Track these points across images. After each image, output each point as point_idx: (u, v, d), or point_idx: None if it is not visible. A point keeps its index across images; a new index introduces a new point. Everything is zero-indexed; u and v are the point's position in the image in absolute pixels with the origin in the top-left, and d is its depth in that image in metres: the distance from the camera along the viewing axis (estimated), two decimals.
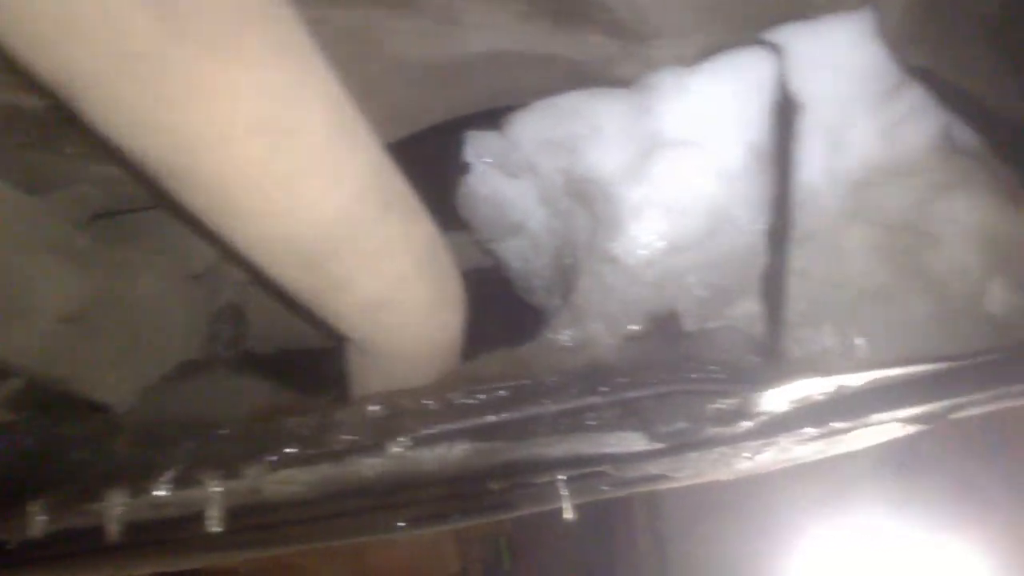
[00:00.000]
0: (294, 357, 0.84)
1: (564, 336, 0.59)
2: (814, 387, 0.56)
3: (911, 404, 0.62)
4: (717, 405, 0.56)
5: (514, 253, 0.82)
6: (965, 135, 0.63)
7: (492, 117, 0.75)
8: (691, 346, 0.57)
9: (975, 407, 0.70)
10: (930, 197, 0.58)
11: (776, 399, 0.56)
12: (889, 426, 0.75)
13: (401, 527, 0.78)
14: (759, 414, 0.59)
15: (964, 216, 0.57)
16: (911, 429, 0.77)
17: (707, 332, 0.57)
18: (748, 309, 0.57)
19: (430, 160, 0.84)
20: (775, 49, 0.61)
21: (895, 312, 0.56)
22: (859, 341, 0.54)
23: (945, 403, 0.64)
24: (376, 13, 0.56)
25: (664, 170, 0.62)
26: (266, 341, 0.84)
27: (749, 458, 0.74)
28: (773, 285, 0.57)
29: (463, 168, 0.77)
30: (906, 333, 0.56)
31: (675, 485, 0.77)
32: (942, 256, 0.57)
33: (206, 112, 0.41)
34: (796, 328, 0.55)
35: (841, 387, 0.56)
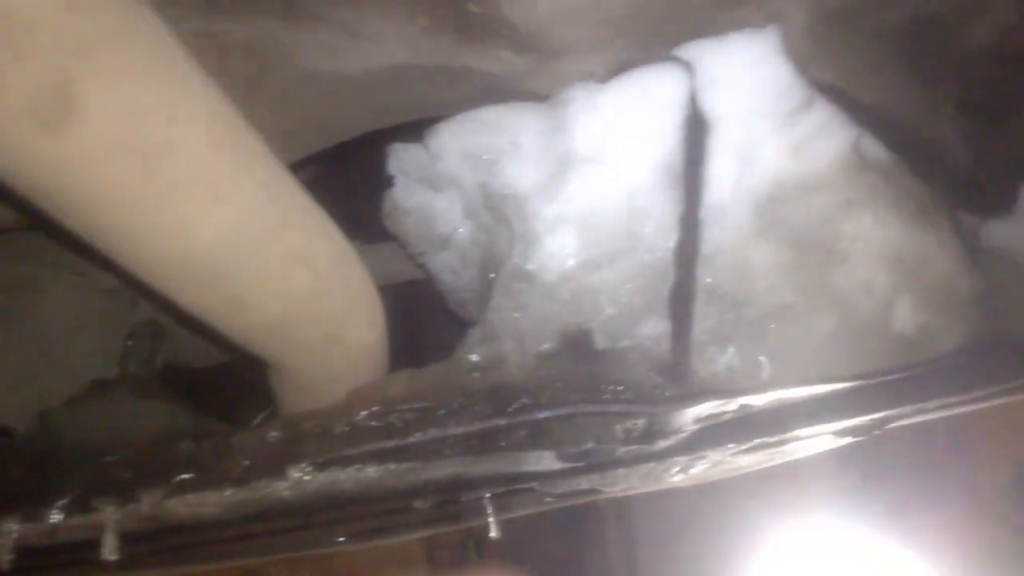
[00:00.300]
0: (219, 374, 0.83)
1: (476, 354, 0.58)
2: (719, 407, 0.56)
3: (818, 422, 0.62)
4: (624, 425, 0.56)
5: (443, 266, 0.81)
6: (876, 150, 0.63)
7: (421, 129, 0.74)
8: (601, 366, 0.57)
9: (896, 421, 0.70)
10: (838, 214, 0.58)
11: (682, 419, 0.56)
12: (820, 438, 0.75)
13: (340, 542, 0.77)
14: (668, 433, 0.59)
15: (871, 233, 0.57)
16: (843, 441, 0.78)
17: (616, 351, 0.57)
18: (657, 328, 0.57)
19: (365, 172, 0.83)
20: (686, 66, 0.61)
21: (800, 330, 0.56)
22: (763, 360, 0.54)
23: (859, 419, 0.65)
24: (275, 26, 0.55)
25: (577, 187, 0.61)
26: (191, 357, 0.83)
27: (681, 471, 0.74)
28: (680, 304, 0.57)
29: (388, 181, 0.77)
30: (811, 352, 0.56)
31: (615, 495, 0.77)
32: (849, 274, 0.57)
33: (72, 132, 0.39)
34: (703, 347, 0.55)
35: (744, 406, 0.56)
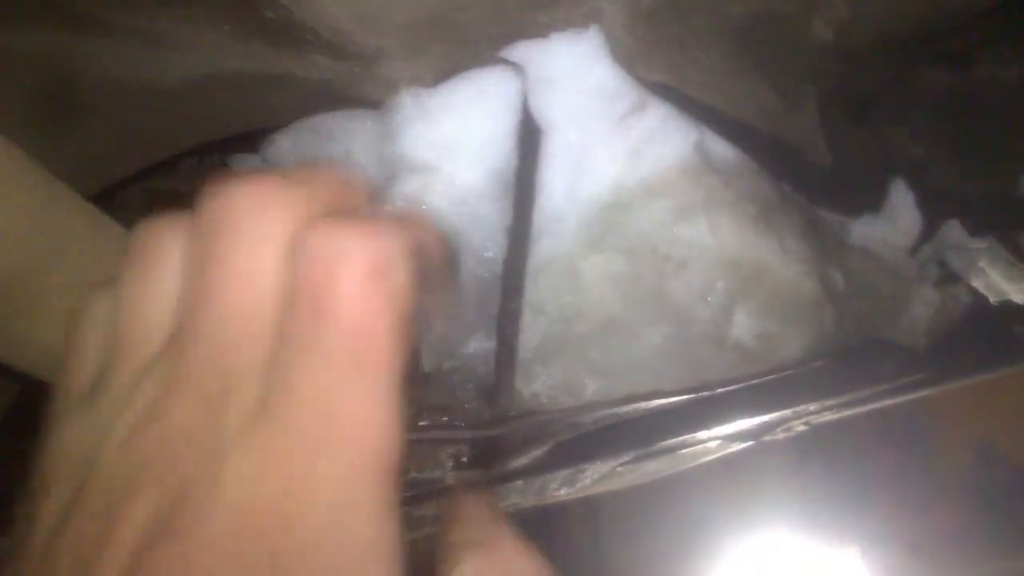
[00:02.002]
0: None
1: None
2: (544, 426, 0.53)
3: (679, 433, 0.59)
4: (449, 452, 0.53)
5: None
6: (724, 151, 0.60)
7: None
8: (425, 389, 0.54)
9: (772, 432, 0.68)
10: (674, 220, 0.55)
11: (511, 440, 0.53)
12: (709, 443, 0.73)
13: None
14: (506, 456, 0.56)
15: (707, 239, 0.55)
16: (738, 445, 0.75)
17: (440, 373, 0.53)
18: (483, 346, 0.54)
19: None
20: (516, 69, 0.58)
21: (629, 343, 0.53)
22: (587, 378, 0.51)
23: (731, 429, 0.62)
24: (60, 38, 0.51)
25: (408, 196, 0.58)
26: None
27: (565, 485, 0.72)
28: (506, 320, 0.54)
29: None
30: (639, 365, 0.53)
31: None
32: (685, 282, 0.55)
33: None
34: (528, 365, 0.52)
35: (573, 424, 0.53)
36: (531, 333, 0.52)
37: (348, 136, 0.61)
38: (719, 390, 0.54)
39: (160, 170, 0.70)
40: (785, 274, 0.55)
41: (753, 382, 0.56)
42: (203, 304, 0.24)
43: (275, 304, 0.24)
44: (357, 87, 0.60)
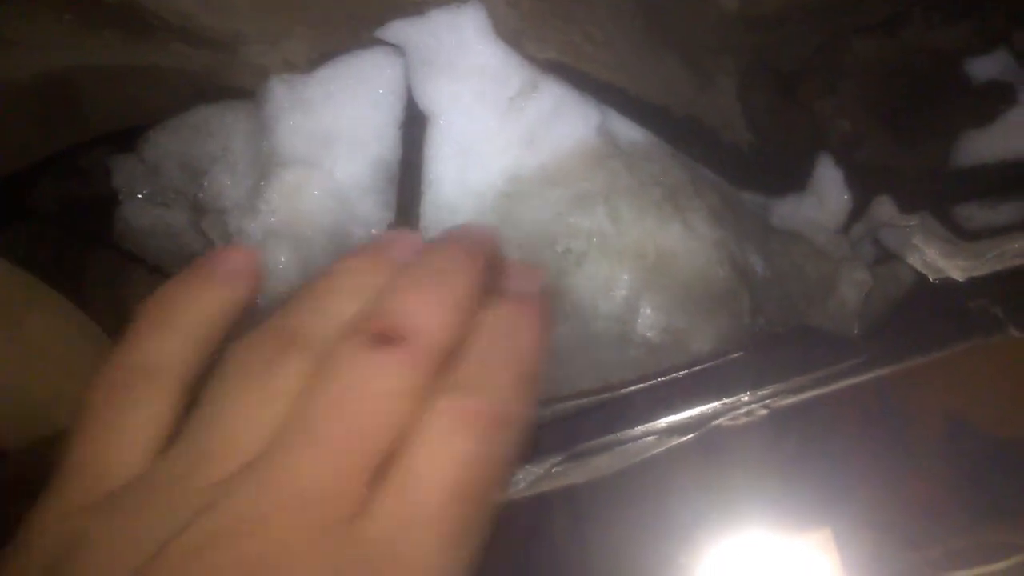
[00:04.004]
0: None
1: None
2: None
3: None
4: None
5: None
6: (632, 133, 0.56)
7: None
8: None
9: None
10: (572, 209, 0.51)
11: None
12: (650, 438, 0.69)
13: None
14: None
15: (607, 227, 0.50)
16: (677, 439, 0.72)
17: None
18: None
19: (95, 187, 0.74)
20: (397, 51, 0.53)
21: None
22: None
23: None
24: None
25: (282, 195, 0.53)
26: None
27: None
28: None
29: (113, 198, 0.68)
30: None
31: None
32: (586, 276, 0.50)
33: None
34: None
35: None
36: None
37: (225, 130, 0.56)
38: (623, 390, 0.50)
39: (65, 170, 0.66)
40: (694, 262, 0.51)
41: (662, 379, 0.52)
42: (311, 438, 0.28)
43: (380, 455, 0.28)
44: (228, 76, 0.55)
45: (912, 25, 0.71)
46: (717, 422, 0.65)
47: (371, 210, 0.53)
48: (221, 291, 0.35)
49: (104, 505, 0.30)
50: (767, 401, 0.80)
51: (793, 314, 0.63)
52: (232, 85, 0.57)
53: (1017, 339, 0.76)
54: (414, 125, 0.52)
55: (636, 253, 0.50)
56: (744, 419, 0.89)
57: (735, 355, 0.56)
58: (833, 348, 0.65)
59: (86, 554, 0.28)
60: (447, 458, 0.27)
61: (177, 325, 0.34)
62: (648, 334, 0.50)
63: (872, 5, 0.65)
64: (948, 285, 0.68)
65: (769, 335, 0.61)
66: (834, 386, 0.73)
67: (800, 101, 0.70)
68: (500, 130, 0.53)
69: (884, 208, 0.67)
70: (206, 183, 0.57)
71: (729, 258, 0.54)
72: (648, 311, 0.51)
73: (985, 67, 0.69)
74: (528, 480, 0.69)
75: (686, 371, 0.55)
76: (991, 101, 0.67)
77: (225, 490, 0.28)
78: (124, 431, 0.32)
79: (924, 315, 0.76)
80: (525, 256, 0.51)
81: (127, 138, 0.64)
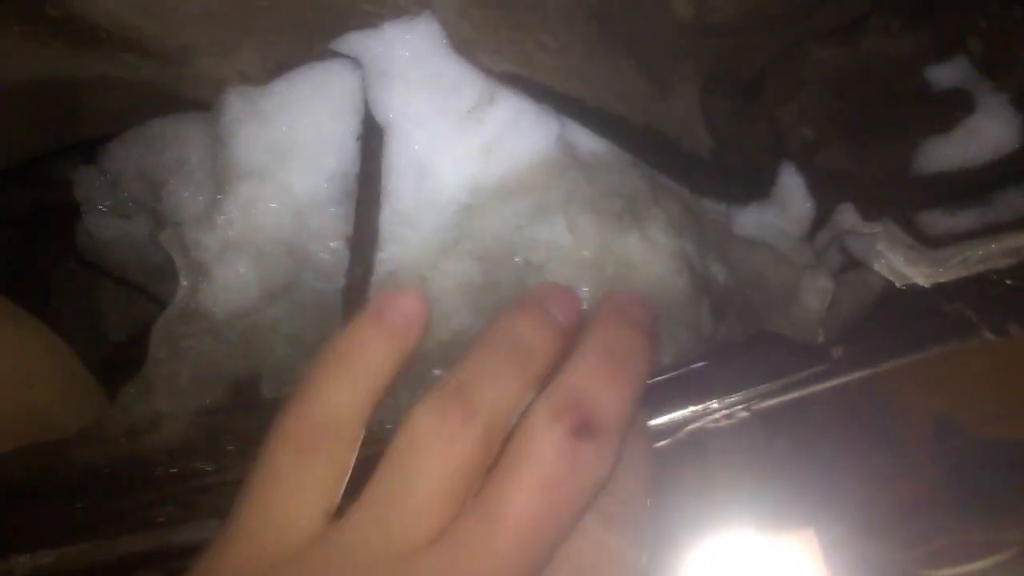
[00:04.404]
0: None
1: (132, 415, 0.50)
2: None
3: None
4: None
5: (169, 299, 0.72)
6: (592, 144, 0.56)
7: None
8: (266, 417, 0.48)
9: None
10: (531, 221, 0.51)
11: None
12: None
13: None
14: None
15: (564, 239, 0.50)
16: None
17: (278, 402, 0.48)
18: None
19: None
20: (353, 63, 0.53)
21: None
22: None
23: None
24: None
25: (241, 206, 0.53)
26: None
27: None
28: None
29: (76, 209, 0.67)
30: None
31: None
32: None
33: None
34: None
35: None
36: None
37: (181, 142, 0.56)
38: None
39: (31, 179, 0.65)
40: (652, 272, 0.51)
41: None
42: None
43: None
44: (182, 87, 0.55)
45: (871, 33, 0.71)
46: (690, 427, 0.65)
47: (329, 223, 0.53)
48: (394, 341, 0.36)
49: (286, 567, 0.31)
50: (742, 405, 0.80)
51: (755, 321, 0.64)
52: (187, 97, 0.56)
53: (999, 342, 0.76)
54: (371, 137, 0.52)
55: (595, 264, 0.50)
56: (725, 422, 0.89)
57: (699, 365, 0.56)
58: (795, 354, 0.65)
59: None
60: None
61: (353, 378, 0.35)
62: None
63: (829, 13, 0.65)
64: (921, 290, 0.69)
65: (731, 343, 0.61)
66: (811, 389, 0.73)
67: (761, 108, 0.70)
68: (458, 142, 0.52)
69: (847, 216, 0.67)
70: (164, 195, 0.57)
71: (688, 267, 0.54)
72: None
73: (944, 74, 0.69)
74: None
75: (650, 381, 0.55)
76: (950, 108, 0.68)
77: (414, 567, 0.29)
78: (304, 490, 0.32)
79: (899, 320, 0.76)
80: (485, 268, 0.51)
81: (90, 150, 0.63)
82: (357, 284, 0.49)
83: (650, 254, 0.53)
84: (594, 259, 0.51)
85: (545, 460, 0.31)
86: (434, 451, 0.32)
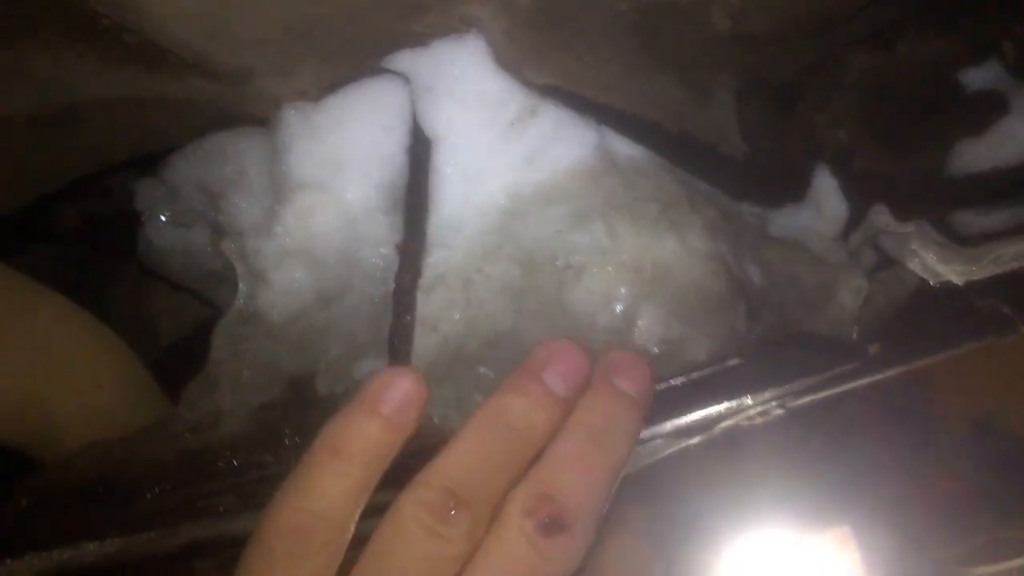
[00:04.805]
0: None
1: (196, 412, 0.53)
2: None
3: None
4: None
5: (225, 303, 0.76)
6: (630, 150, 0.58)
7: None
8: (320, 414, 0.52)
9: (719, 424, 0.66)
10: (572, 225, 0.53)
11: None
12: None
13: None
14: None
15: (604, 243, 0.53)
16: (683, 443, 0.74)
17: (335, 397, 0.52)
18: (377, 366, 0.52)
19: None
20: (402, 79, 0.56)
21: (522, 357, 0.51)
22: (480, 395, 0.49)
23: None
24: None
25: (296, 217, 0.56)
26: None
27: None
28: (398, 339, 0.52)
29: (138, 219, 0.71)
30: None
31: None
32: (585, 290, 0.53)
33: None
34: None
35: None
36: (423, 351, 0.50)
37: (240, 156, 0.59)
38: None
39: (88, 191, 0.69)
40: (690, 274, 0.53)
41: (660, 386, 0.54)
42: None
43: None
44: (242, 105, 0.58)
45: (906, 38, 0.72)
46: (724, 424, 0.67)
47: (379, 230, 0.56)
48: (389, 431, 0.37)
49: None
50: (775, 402, 0.82)
51: (791, 321, 0.65)
52: (246, 113, 0.60)
53: None
54: (419, 149, 0.55)
55: (633, 267, 0.53)
56: (760, 419, 0.91)
57: (733, 362, 0.58)
58: (829, 352, 0.67)
59: None
60: None
61: (348, 468, 0.36)
62: (647, 344, 0.52)
63: (864, 20, 0.67)
64: (954, 288, 0.70)
65: (766, 341, 0.63)
66: (846, 386, 0.75)
67: (798, 114, 0.72)
68: (501, 152, 0.55)
69: (881, 216, 0.68)
70: (223, 205, 0.60)
71: (725, 269, 0.56)
72: (645, 323, 0.53)
73: (977, 77, 0.70)
74: None
75: (684, 378, 0.57)
76: (984, 111, 0.69)
77: None
78: None
79: (933, 317, 0.77)
80: (527, 271, 0.53)
81: (150, 162, 0.67)
82: (406, 287, 0.52)
83: (687, 257, 0.55)
84: (632, 262, 0.53)
85: (514, 555, 0.34)
86: (419, 544, 0.33)
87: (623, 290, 0.53)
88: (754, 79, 0.68)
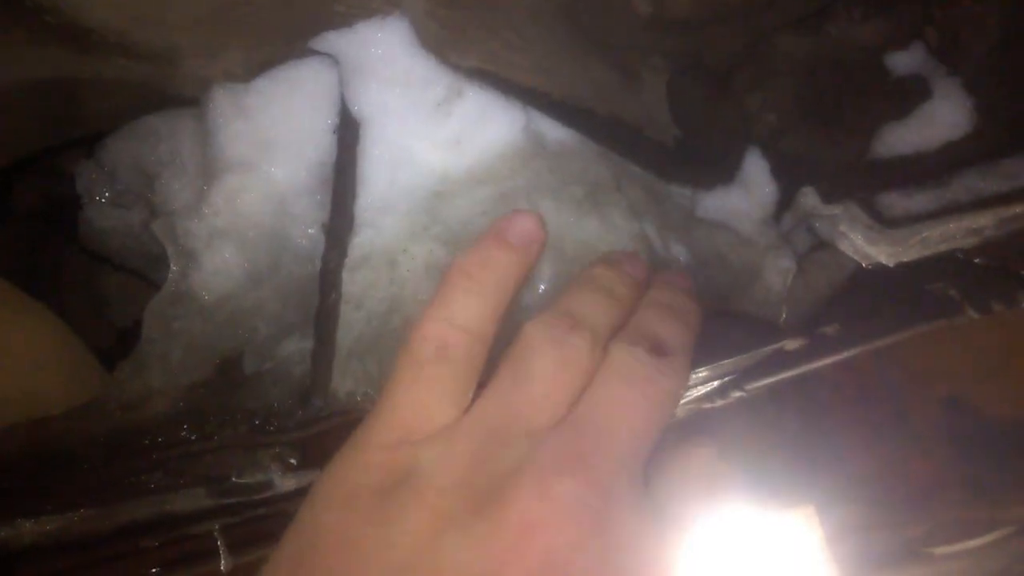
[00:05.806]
0: None
1: (127, 391, 0.54)
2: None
3: None
4: (271, 453, 0.52)
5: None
6: (558, 133, 0.59)
7: None
8: (246, 391, 0.53)
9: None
10: (496, 207, 0.54)
11: (331, 440, 0.53)
12: None
13: None
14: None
15: None
16: None
17: (260, 374, 0.53)
18: (300, 345, 0.53)
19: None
20: (331, 60, 0.57)
21: None
22: None
23: None
24: None
25: (227, 196, 0.57)
26: None
27: None
28: (324, 317, 0.53)
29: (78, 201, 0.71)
30: None
31: None
32: None
33: None
34: (344, 362, 0.51)
35: None
36: (348, 329, 0.51)
37: (173, 136, 0.60)
38: None
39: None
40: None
41: None
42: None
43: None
44: (172, 86, 0.58)
45: (835, 21, 0.74)
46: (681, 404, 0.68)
47: (307, 210, 0.57)
48: (516, 256, 0.43)
49: (428, 442, 0.37)
50: (734, 386, 0.84)
51: (718, 300, 0.67)
52: (178, 94, 0.60)
53: (1008, 320, 0.79)
54: (347, 129, 0.56)
55: (555, 247, 0.54)
56: (720, 402, 0.93)
57: None
58: (753, 330, 0.69)
59: (418, 480, 0.35)
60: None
61: (481, 290, 0.41)
62: None
63: (791, 3, 0.68)
64: (903, 270, 0.72)
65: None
66: (805, 368, 0.77)
67: (729, 97, 0.73)
68: (429, 134, 0.56)
69: (808, 198, 0.70)
70: (157, 186, 0.61)
71: (647, 248, 0.58)
72: None
73: (902, 61, 0.72)
74: None
75: None
76: (908, 94, 0.71)
77: (541, 443, 0.35)
78: (443, 381, 0.39)
79: (886, 299, 0.80)
80: (450, 252, 0.55)
81: (84, 145, 0.67)
82: (332, 267, 0.53)
83: (609, 236, 0.56)
84: (554, 242, 0.55)
85: (633, 368, 0.38)
86: (548, 351, 0.38)
87: (547, 270, 0.54)
88: (686, 63, 0.70)
